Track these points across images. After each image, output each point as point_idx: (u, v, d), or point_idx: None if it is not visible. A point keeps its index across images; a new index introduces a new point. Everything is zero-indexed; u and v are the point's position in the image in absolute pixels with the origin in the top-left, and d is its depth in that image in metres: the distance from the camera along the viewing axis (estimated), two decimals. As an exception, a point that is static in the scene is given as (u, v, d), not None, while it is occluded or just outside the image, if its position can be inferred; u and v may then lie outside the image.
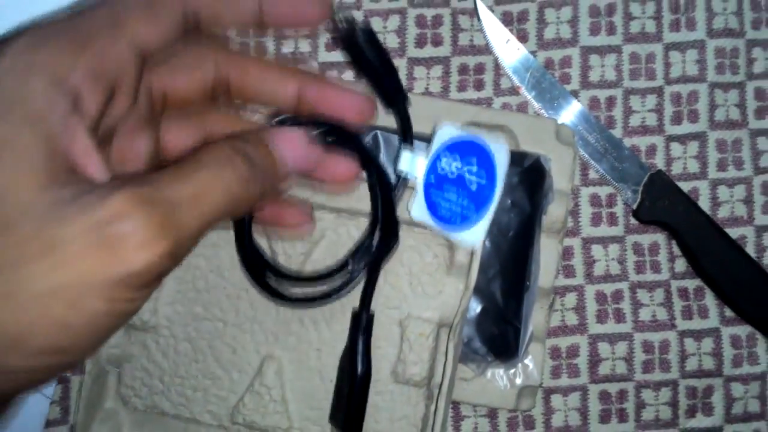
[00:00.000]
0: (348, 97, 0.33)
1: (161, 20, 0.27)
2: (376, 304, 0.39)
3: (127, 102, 0.28)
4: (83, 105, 0.25)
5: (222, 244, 0.41)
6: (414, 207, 0.37)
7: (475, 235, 0.34)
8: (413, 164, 0.35)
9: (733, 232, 0.46)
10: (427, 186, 0.35)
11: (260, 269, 0.38)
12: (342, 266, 0.38)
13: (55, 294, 0.22)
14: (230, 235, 0.38)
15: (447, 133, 0.33)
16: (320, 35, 0.46)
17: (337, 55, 0.46)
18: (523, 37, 0.47)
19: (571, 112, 0.46)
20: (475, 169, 0.32)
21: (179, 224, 0.24)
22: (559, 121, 0.45)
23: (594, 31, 0.47)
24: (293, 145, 0.30)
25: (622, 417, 0.45)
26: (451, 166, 0.33)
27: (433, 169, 0.35)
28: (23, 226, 0.23)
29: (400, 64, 0.46)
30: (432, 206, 0.35)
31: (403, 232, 0.39)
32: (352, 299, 0.38)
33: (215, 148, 0.27)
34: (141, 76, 0.28)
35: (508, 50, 0.46)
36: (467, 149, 0.32)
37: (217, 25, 0.30)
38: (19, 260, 0.22)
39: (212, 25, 0.29)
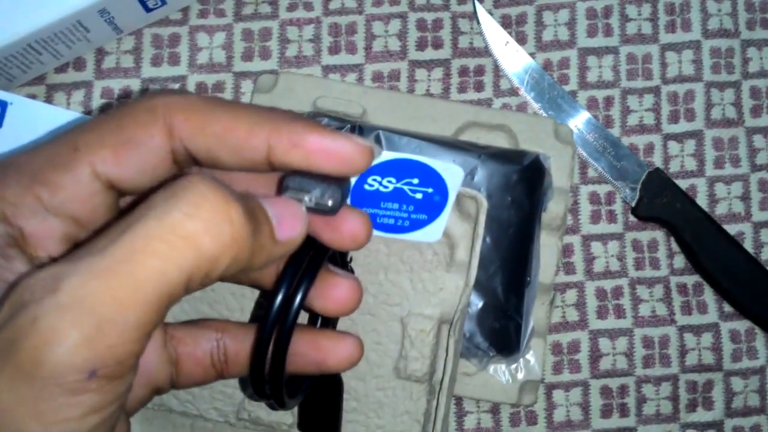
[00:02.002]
0: (332, 142, 0.24)
1: (138, 156, 0.23)
2: (378, 302, 0.40)
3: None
4: (30, 239, 0.22)
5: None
6: None
7: (431, 234, 0.34)
8: None
9: (731, 229, 0.46)
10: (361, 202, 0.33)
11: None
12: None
13: None
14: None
15: None
16: (323, 38, 0.47)
17: (340, 58, 0.47)
18: (521, 40, 0.48)
19: (569, 112, 0.46)
20: (416, 181, 0.32)
21: (96, 304, 0.18)
22: (558, 121, 0.46)
23: (591, 32, 0.48)
24: (289, 210, 0.24)
25: (624, 412, 0.46)
26: (381, 184, 0.33)
27: (357, 190, 0.33)
28: None
29: (402, 66, 0.47)
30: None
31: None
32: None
33: (171, 181, 0.21)
34: (116, 207, 0.24)
35: (507, 52, 0.47)
36: (401, 169, 0.31)
37: (215, 167, 0.25)
38: None
39: (210, 166, 0.25)
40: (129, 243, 0.19)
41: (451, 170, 0.31)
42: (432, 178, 0.32)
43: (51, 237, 0.22)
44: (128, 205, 0.26)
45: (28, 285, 0.19)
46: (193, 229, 0.19)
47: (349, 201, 0.30)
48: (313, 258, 0.27)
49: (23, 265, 0.22)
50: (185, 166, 0.25)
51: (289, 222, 0.23)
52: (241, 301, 0.41)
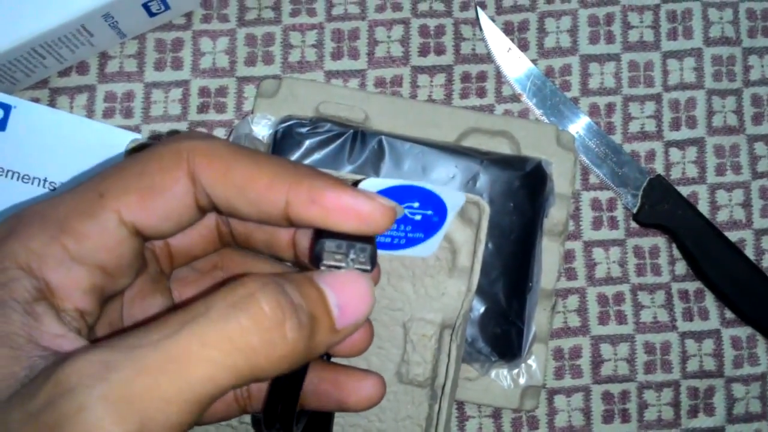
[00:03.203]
0: (351, 200, 0.24)
1: (163, 201, 0.23)
2: (380, 306, 0.40)
3: (125, 279, 0.24)
4: (57, 291, 0.22)
5: None
6: None
7: (426, 250, 0.34)
8: None
9: (732, 236, 0.46)
10: None
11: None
12: None
13: None
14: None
15: (369, 185, 0.32)
16: (326, 43, 0.47)
17: (343, 64, 0.47)
18: (524, 46, 0.48)
19: (571, 119, 0.47)
20: (416, 205, 0.32)
21: (143, 401, 0.18)
22: (560, 127, 0.46)
23: (593, 39, 0.48)
24: (355, 292, 0.23)
25: (625, 417, 0.46)
26: None
27: None
28: None
29: (404, 72, 0.47)
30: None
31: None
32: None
33: (231, 285, 0.20)
34: (141, 254, 0.24)
35: (510, 59, 0.47)
36: (402, 193, 0.31)
37: (233, 216, 0.25)
38: None
39: (228, 215, 0.25)
40: (185, 344, 0.19)
41: (452, 195, 0.31)
42: (433, 201, 0.32)
43: (77, 288, 0.22)
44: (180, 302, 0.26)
45: (77, 367, 0.19)
46: (249, 344, 0.19)
47: None
48: None
49: (53, 322, 0.21)
50: (209, 211, 0.24)
51: (355, 307, 0.23)
52: None
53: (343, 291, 0.22)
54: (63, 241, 0.22)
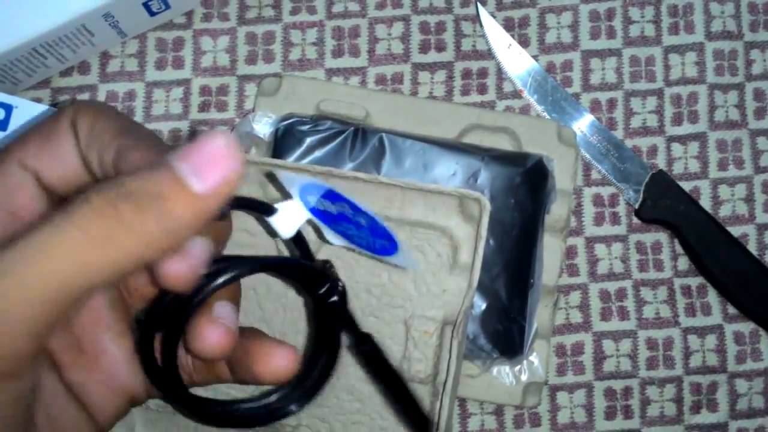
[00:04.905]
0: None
1: (55, 146, 0.24)
2: (381, 304, 0.40)
3: None
4: None
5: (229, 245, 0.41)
6: (331, 237, 0.32)
7: (403, 261, 0.33)
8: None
9: (735, 231, 0.46)
10: (324, 219, 0.30)
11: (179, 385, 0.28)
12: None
13: None
14: (240, 233, 0.38)
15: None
16: (326, 41, 0.47)
17: (343, 61, 0.47)
18: (524, 42, 0.48)
19: (572, 114, 0.47)
20: (347, 208, 0.30)
21: None
22: (561, 123, 0.46)
23: (594, 35, 0.48)
24: (211, 149, 0.20)
25: (628, 413, 0.45)
26: (322, 204, 0.29)
27: (307, 204, 0.29)
28: None
29: (405, 69, 0.47)
30: (347, 237, 0.31)
31: (406, 233, 0.40)
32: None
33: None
34: (50, 204, 0.25)
35: (510, 55, 0.47)
36: (327, 198, 0.29)
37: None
38: None
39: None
40: (21, 247, 0.19)
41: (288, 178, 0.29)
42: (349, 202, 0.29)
43: None
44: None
45: None
46: (88, 235, 0.19)
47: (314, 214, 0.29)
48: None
49: None
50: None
51: (216, 162, 0.20)
52: (243, 304, 0.41)
53: (196, 155, 0.20)
54: None
